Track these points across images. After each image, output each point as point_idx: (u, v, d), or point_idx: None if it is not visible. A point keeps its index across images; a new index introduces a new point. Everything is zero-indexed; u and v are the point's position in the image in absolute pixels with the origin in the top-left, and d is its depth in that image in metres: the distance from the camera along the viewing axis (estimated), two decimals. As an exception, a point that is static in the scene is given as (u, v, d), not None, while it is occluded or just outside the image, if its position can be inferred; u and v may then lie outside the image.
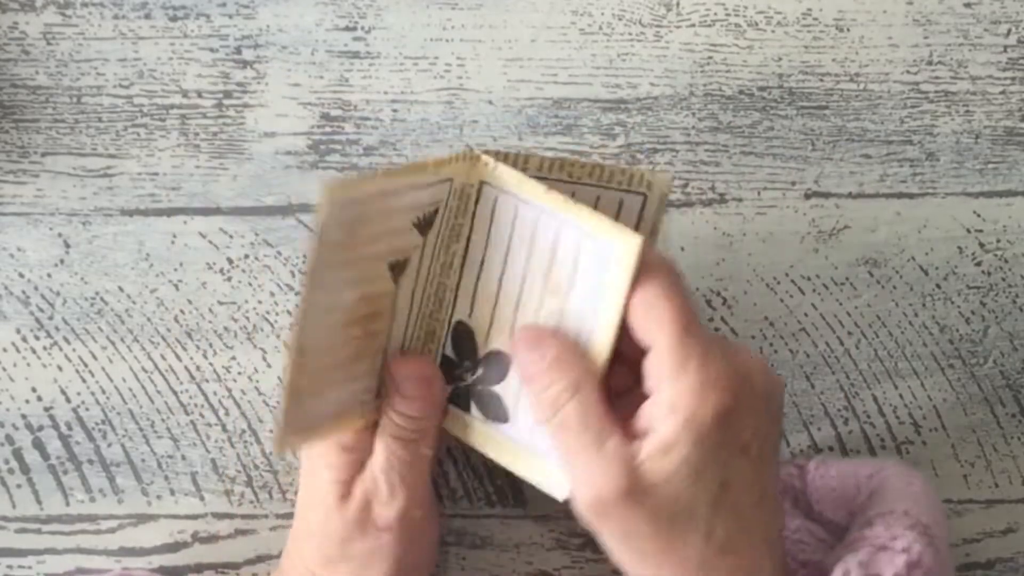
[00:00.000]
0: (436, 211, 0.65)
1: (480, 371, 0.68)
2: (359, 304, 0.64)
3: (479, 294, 0.68)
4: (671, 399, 0.61)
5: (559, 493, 0.66)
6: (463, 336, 0.69)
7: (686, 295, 0.63)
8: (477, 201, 0.67)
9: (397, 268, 0.65)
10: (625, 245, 0.62)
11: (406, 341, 0.68)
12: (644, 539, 0.62)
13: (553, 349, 0.64)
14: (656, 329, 0.61)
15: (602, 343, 0.64)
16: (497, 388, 0.68)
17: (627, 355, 0.64)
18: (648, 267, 0.62)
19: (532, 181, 0.65)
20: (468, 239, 0.67)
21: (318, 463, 0.69)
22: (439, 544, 0.74)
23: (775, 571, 0.64)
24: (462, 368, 0.69)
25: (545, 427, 0.63)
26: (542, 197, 0.65)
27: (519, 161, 0.66)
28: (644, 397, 0.62)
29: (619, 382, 0.65)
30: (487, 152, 0.65)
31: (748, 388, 0.61)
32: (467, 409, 0.69)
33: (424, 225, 0.65)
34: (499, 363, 0.68)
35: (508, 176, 0.65)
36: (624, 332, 0.63)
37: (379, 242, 0.64)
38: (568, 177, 0.67)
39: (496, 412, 0.68)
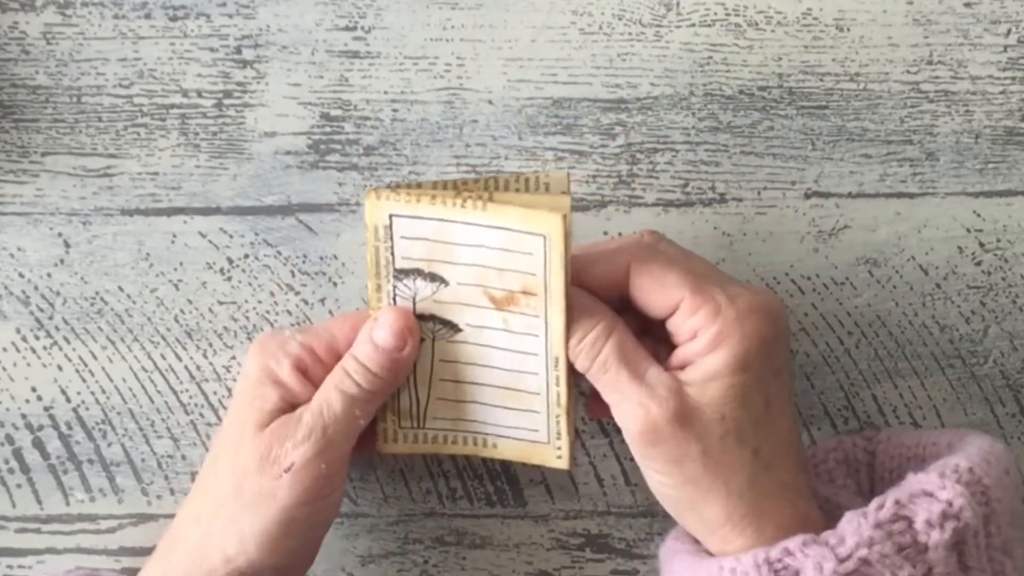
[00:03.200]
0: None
1: None
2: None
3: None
4: (713, 337, 0.64)
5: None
6: None
7: (677, 250, 0.67)
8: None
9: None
10: (548, 225, 0.65)
11: None
12: (695, 461, 0.64)
13: (576, 301, 0.66)
14: (675, 291, 0.65)
15: (560, 320, 0.66)
16: None
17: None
18: (632, 247, 0.67)
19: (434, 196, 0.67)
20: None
21: (255, 391, 0.68)
22: (338, 513, 0.71)
23: (807, 487, 0.67)
24: None
25: (587, 374, 0.66)
26: (455, 210, 0.66)
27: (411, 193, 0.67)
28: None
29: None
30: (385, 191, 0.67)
31: (775, 316, 0.66)
32: None
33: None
34: None
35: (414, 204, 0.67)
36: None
37: None
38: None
39: None
